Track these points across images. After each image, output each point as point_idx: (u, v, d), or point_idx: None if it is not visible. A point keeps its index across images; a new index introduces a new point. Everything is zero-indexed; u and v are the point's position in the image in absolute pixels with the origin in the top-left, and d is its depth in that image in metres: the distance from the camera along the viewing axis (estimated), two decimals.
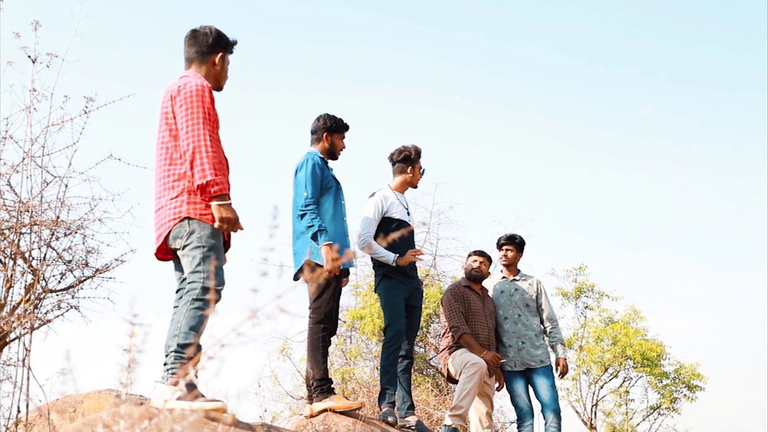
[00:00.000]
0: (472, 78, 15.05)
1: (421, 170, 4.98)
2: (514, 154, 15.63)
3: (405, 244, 4.74)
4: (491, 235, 13.45)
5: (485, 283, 5.48)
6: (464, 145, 15.15)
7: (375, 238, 4.68)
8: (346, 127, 4.58)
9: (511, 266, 5.52)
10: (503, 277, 5.51)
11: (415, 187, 5.03)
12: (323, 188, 4.29)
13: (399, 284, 4.67)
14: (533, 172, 15.45)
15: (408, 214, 4.90)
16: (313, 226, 4.12)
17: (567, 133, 15.70)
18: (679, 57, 15.66)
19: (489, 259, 5.45)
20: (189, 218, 3.12)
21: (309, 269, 4.23)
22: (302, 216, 4.18)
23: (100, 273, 4.00)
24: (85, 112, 3.78)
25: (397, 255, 4.63)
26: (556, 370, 5.35)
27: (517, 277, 5.50)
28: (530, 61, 15.21)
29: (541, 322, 5.42)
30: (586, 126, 15.75)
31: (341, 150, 4.56)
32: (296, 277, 4.40)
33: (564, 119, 15.58)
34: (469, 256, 5.44)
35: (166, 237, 3.16)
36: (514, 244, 5.53)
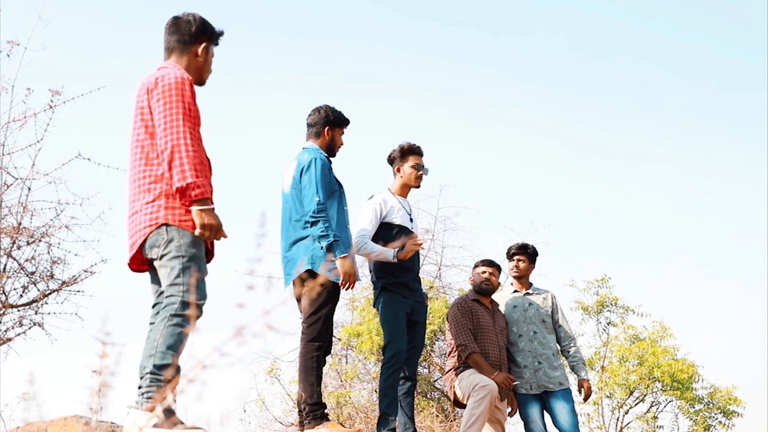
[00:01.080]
0: (480, 76, 15.08)
1: (423, 169, 4.97)
2: (526, 154, 15.63)
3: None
4: (502, 244, 13.46)
5: (495, 297, 5.48)
6: (472, 144, 15.17)
7: None
8: (347, 122, 4.60)
9: (523, 278, 5.53)
10: (515, 291, 5.52)
11: (416, 187, 5.01)
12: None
13: (400, 298, 4.67)
14: (548, 174, 15.45)
15: (411, 220, 4.90)
16: (328, 236, 4.14)
17: (584, 134, 15.72)
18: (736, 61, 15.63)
19: (499, 269, 5.45)
20: (167, 225, 3.12)
21: (301, 281, 4.23)
22: (313, 223, 4.18)
23: (67, 286, 4.01)
24: (51, 107, 3.80)
25: (397, 249, 4.63)
26: (579, 392, 5.35)
27: (530, 291, 5.51)
28: (542, 60, 15.24)
29: (558, 340, 5.43)
30: (605, 125, 15.78)
31: (340, 147, 4.57)
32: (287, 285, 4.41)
33: (581, 119, 15.61)
34: (476, 266, 5.44)
35: (142, 245, 3.17)
36: (526, 254, 5.54)
